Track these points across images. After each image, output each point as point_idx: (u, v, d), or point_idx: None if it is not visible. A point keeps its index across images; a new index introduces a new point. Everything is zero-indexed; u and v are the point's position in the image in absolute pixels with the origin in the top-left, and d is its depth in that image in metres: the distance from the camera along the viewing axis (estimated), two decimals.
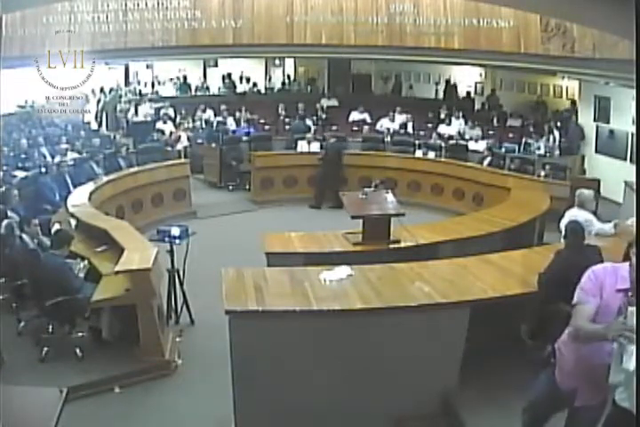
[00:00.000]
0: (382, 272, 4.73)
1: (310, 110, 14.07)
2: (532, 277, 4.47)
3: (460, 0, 10.30)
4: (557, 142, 11.50)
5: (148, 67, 18.92)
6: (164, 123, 13.30)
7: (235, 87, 17.96)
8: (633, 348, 2.59)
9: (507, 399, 4.10)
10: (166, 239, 6.03)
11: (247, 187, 11.41)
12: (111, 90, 16.91)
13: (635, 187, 8.14)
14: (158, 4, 10.61)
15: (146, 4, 10.57)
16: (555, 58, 9.40)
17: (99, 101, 16.33)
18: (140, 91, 17.31)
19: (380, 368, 4.17)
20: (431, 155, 11.29)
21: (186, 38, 10.81)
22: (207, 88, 17.86)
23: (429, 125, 13.22)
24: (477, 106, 15.26)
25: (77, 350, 5.29)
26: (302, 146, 11.50)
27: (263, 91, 18.40)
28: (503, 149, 11.37)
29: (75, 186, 8.79)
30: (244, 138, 12.44)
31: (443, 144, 11.64)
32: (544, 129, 11.81)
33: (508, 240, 6.76)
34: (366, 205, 6.50)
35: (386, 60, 15.95)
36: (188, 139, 12.59)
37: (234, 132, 12.89)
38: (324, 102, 14.85)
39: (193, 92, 17.40)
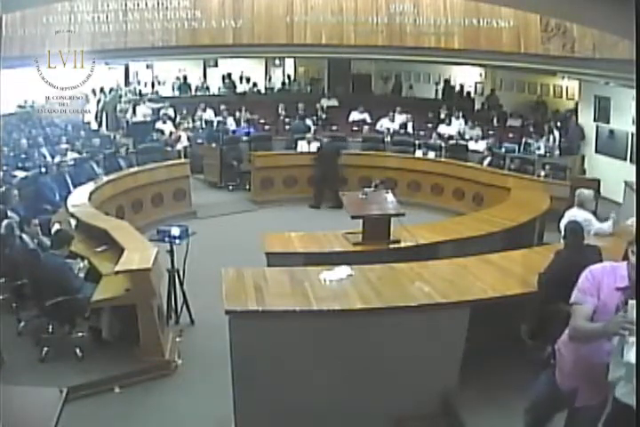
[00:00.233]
0: (382, 272, 4.73)
1: (310, 110, 14.07)
2: (532, 277, 4.47)
3: (459, 0, 10.30)
4: (557, 142, 11.50)
5: (147, 67, 18.90)
6: (164, 123, 13.30)
7: (235, 87, 17.95)
8: (633, 339, 2.59)
9: (507, 399, 4.10)
10: (166, 239, 6.03)
11: (247, 187, 11.41)
12: (111, 90, 16.90)
13: (635, 187, 8.14)
14: (158, 4, 10.61)
15: (146, 4, 10.57)
16: (555, 58, 9.40)
17: (99, 101, 16.32)
18: (140, 91, 17.31)
19: (380, 368, 4.17)
20: (431, 155, 11.30)
21: (186, 38, 10.81)
22: (207, 88, 17.85)
23: (429, 125, 13.22)
24: (477, 106, 15.27)
25: (77, 350, 5.29)
26: (302, 146, 11.50)
27: (263, 91, 18.40)
28: (503, 149, 11.37)
29: (75, 186, 8.79)
30: (244, 138, 12.44)
31: (443, 144, 11.65)
32: (544, 129, 11.81)
33: (508, 240, 6.76)
34: (366, 205, 6.50)
35: (386, 60, 15.95)
36: (188, 139, 12.59)
37: (234, 132, 12.89)
38: (324, 102, 14.85)
39: (193, 92, 17.40)
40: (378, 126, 13.08)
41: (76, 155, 10.44)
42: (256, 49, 11.63)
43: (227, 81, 18.32)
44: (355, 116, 13.83)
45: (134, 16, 10.53)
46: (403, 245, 6.24)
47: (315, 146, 11.36)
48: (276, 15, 10.90)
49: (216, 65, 19.32)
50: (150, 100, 15.05)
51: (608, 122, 11.10)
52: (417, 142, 11.78)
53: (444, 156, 11.30)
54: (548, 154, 11.23)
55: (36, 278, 5.36)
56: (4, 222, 6.23)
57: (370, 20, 10.78)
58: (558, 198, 8.21)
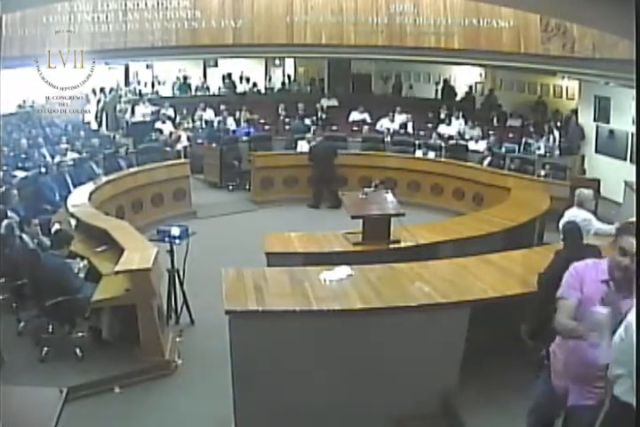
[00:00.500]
0: (382, 272, 4.73)
1: (310, 110, 14.06)
2: (532, 277, 4.47)
3: (459, 0, 10.31)
4: (557, 142, 11.50)
5: (148, 67, 18.90)
6: (163, 123, 13.31)
7: (235, 87, 17.95)
8: (604, 343, 2.73)
9: (507, 399, 4.10)
10: (166, 239, 6.03)
11: (247, 187, 11.40)
12: (111, 90, 16.90)
13: (635, 187, 8.14)
14: (158, 3, 10.62)
15: (146, 4, 10.58)
16: (555, 58, 9.40)
17: (99, 101, 16.32)
18: (139, 91, 17.31)
19: (380, 368, 4.17)
20: (431, 155, 11.29)
21: (186, 38, 10.82)
22: (207, 88, 17.85)
23: (429, 125, 13.22)
24: (477, 106, 15.26)
25: (77, 350, 5.29)
26: (302, 146, 11.50)
27: (263, 91, 18.39)
28: (503, 149, 11.37)
29: (75, 186, 8.79)
30: (244, 138, 12.44)
31: (443, 144, 11.65)
32: (544, 129, 11.81)
33: (508, 240, 6.76)
34: (366, 205, 6.50)
35: (386, 60, 15.94)
36: (188, 139, 12.59)
37: (234, 132, 12.89)
38: (324, 102, 14.84)
39: (193, 92, 17.40)
40: (378, 126, 13.08)
41: (75, 155, 10.44)
42: (256, 49, 11.64)
43: (227, 81, 18.32)
44: (355, 116, 13.83)
45: (134, 16, 10.54)
46: (403, 245, 6.24)
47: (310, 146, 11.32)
48: (276, 15, 10.91)
49: (216, 65, 19.32)
50: (149, 101, 15.03)
51: (608, 122, 11.09)
52: (417, 142, 11.78)
53: (444, 156, 11.29)
54: (548, 154, 11.23)
55: (36, 278, 5.36)
56: (4, 222, 6.23)
57: (370, 20, 10.79)
58: (558, 198, 8.21)
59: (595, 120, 11.45)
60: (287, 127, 13.47)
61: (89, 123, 15.00)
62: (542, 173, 9.86)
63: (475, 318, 4.19)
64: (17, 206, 7.33)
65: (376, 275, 4.62)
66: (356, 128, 13.22)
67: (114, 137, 13.47)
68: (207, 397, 4.86)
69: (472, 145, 11.59)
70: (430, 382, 4.29)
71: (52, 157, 10.34)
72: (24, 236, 6.18)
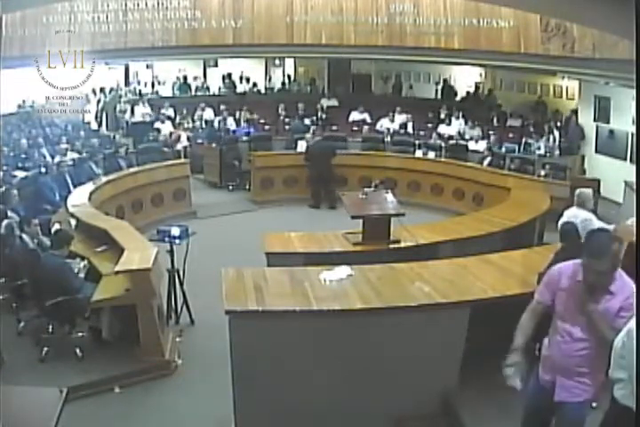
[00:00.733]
0: (382, 272, 4.73)
1: (310, 110, 14.07)
2: (532, 277, 4.46)
3: (459, 0, 10.30)
4: (557, 142, 11.50)
5: (148, 67, 18.90)
6: (162, 123, 13.31)
7: (235, 87, 17.95)
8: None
9: (507, 399, 4.09)
10: (166, 239, 6.03)
11: (247, 187, 11.41)
12: (111, 90, 16.90)
13: (635, 187, 8.14)
14: (158, 3, 10.62)
15: (146, 4, 10.58)
16: (555, 58, 9.40)
17: (99, 101, 16.32)
18: (139, 91, 17.31)
19: (380, 368, 4.17)
20: (431, 155, 11.29)
21: (186, 38, 10.82)
22: (207, 88, 17.85)
23: (429, 125, 13.22)
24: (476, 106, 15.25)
25: (77, 350, 5.29)
26: (302, 146, 11.49)
27: (263, 91, 18.39)
28: (503, 149, 11.38)
29: (75, 186, 8.79)
30: (244, 138, 12.44)
31: (443, 144, 11.65)
32: (544, 129, 11.81)
33: (508, 240, 6.76)
34: (366, 205, 6.50)
35: (386, 60, 15.94)
36: (188, 139, 12.59)
37: (234, 132, 12.89)
38: (324, 102, 14.84)
39: (193, 92, 17.40)
40: (378, 126, 13.08)
41: (75, 155, 10.44)
42: (256, 49, 11.63)
43: (227, 81, 18.32)
44: (355, 116, 13.83)
45: (134, 16, 10.54)
46: (403, 245, 6.24)
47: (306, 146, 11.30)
48: (276, 15, 10.91)
49: (216, 65, 19.32)
50: (148, 101, 15.03)
51: (608, 122, 11.10)
52: (417, 142, 11.78)
53: (444, 156, 11.30)
54: (548, 154, 11.23)
55: (36, 278, 5.36)
56: (4, 222, 6.22)
57: (370, 20, 10.78)
58: (558, 198, 8.21)
59: (595, 120, 11.45)
60: (287, 127, 13.47)
61: (89, 123, 15.00)
62: (542, 173, 9.86)
63: (475, 318, 4.19)
64: (17, 206, 7.33)
65: (376, 275, 4.61)
66: (355, 128, 13.22)
67: (114, 137, 13.47)
68: (207, 397, 4.86)
69: (472, 145, 11.59)
70: (430, 382, 4.29)
71: (52, 157, 10.34)
72: (24, 236, 6.18)
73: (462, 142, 11.85)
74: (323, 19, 10.91)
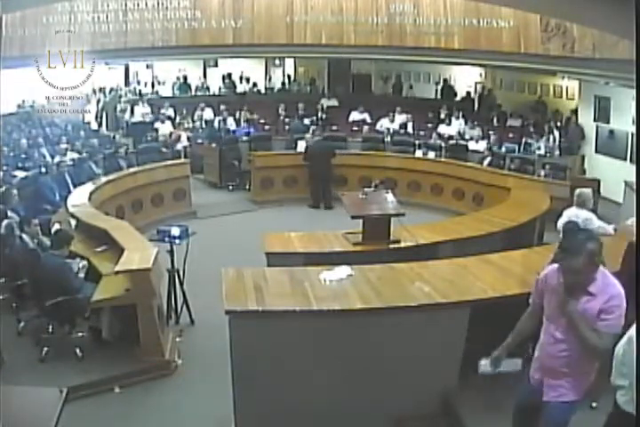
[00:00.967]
0: (382, 272, 4.73)
1: (310, 110, 14.07)
2: (532, 277, 4.45)
3: (459, 0, 10.30)
4: (557, 142, 11.50)
5: (148, 67, 18.93)
6: (163, 123, 13.31)
7: (235, 87, 17.96)
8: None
9: (507, 399, 4.09)
10: (166, 239, 6.03)
11: (247, 187, 11.41)
12: (111, 90, 16.91)
13: (635, 187, 8.14)
14: (158, 4, 10.62)
15: (146, 4, 10.58)
16: (555, 58, 9.40)
17: (98, 101, 16.34)
18: (139, 91, 17.32)
19: (380, 368, 4.17)
20: (431, 155, 11.29)
21: (186, 38, 10.82)
22: (207, 88, 17.86)
23: (429, 125, 13.22)
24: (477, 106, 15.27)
25: (77, 350, 5.29)
26: (302, 146, 11.49)
27: (263, 91, 18.41)
28: (503, 149, 11.37)
29: (75, 186, 8.79)
30: (244, 138, 12.44)
31: (443, 144, 11.65)
32: (544, 129, 11.81)
33: (508, 240, 6.76)
34: (366, 205, 6.49)
35: (386, 60, 15.95)
36: (188, 139, 12.59)
37: (234, 132, 12.89)
38: (324, 102, 14.85)
39: (193, 92, 17.41)
40: (378, 126, 13.08)
41: (75, 155, 10.44)
42: (256, 49, 11.64)
43: (227, 81, 18.33)
44: (355, 116, 13.83)
45: (134, 16, 10.54)
46: (403, 245, 6.23)
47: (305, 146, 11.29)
48: (276, 15, 10.91)
49: (216, 65, 19.33)
50: (147, 101, 15.03)
51: (608, 122, 11.09)
52: (417, 142, 11.78)
53: (444, 156, 11.29)
54: (548, 154, 11.23)
55: (36, 278, 5.36)
56: (4, 222, 6.22)
57: (370, 20, 10.79)
58: (558, 198, 8.21)
59: (595, 120, 11.45)
60: (287, 127, 13.48)
61: (89, 123, 15.02)
62: (542, 173, 9.86)
63: (475, 318, 4.19)
64: (17, 206, 7.33)
65: (376, 275, 4.61)
66: (356, 128, 13.22)
67: (114, 137, 13.48)
68: (207, 397, 4.86)
69: (472, 145, 11.59)
70: (430, 382, 4.29)
71: (52, 157, 10.35)
72: (24, 236, 6.18)
73: (462, 142, 11.85)
74: (323, 19, 10.91)
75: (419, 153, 11.43)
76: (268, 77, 19.97)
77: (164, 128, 13.10)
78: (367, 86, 17.81)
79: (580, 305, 2.98)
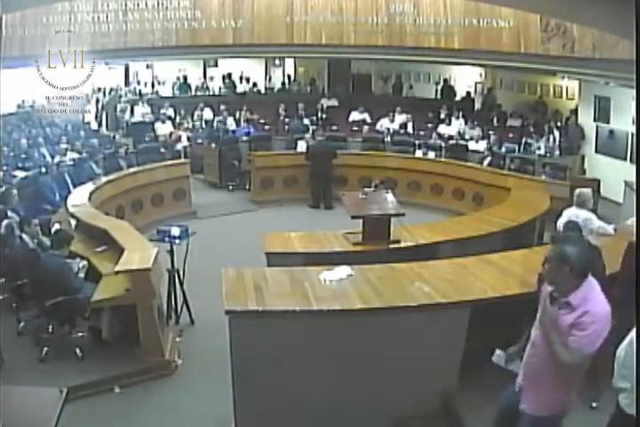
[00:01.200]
0: (382, 272, 4.73)
1: (310, 110, 14.08)
2: (532, 277, 4.45)
3: (459, 0, 10.30)
4: (557, 142, 11.50)
5: (148, 67, 18.94)
6: (163, 123, 13.31)
7: (235, 87, 17.96)
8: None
9: None
10: (166, 239, 6.03)
11: (247, 187, 11.41)
12: (111, 90, 16.91)
13: (635, 187, 8.14)
14: (158, 3, 10.62)
15: (146, 4, 10.58)
16: (555, 58, 9.40)
17: (98, 101, 16.34)
18: (139, 91, 17.32)
19: (380, 368, 4.17)
20: (431, 155, 11.29)
21: (186, 38, 10.82)
22: (207, 88, 17.87)
23: (429, 125, 13.23)
24: (477, 106, 15.26)
25: (77, 350, 5.29)
26: (302, 146, 11.50)
27: (263, 91, 18.41)
28: (503, 149, 11.37)
29: (75, 186, 8.79)
30: (244, 138, 12.45)
31: (443, 144, 11.65)
32: (544, 129, 11.81)
33: (508, 240, 6.76)
34: (366, 205, 6.49)
35: (386, 60, 15.95)
36: (188, 139, 12.60)
37: (234, 132, 12.90)
38: (324, 102, 14.86)
39: (193, 92, 17.41)
40: (378, 126, 13.08)
41: (75, 155, 10.44)
42: (256, 49, 11.63)
43: (227, 81, 18.33)
44: (355, 116, 13.84)
45: (134, 16, 10.54)
46: (403, 245, 6.23)
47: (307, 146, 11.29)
48: (276, 15, 10.91)
49: (216, 65, 19.34)
50: (147, 101, 15.04)
51: (608, 122, 11.09)
52: (417, 142, 11.78)
53: (444, 156, 11.29)
54: (548, 154, 11.23)
55: (36, 278, 5.36)
56: (4, 222, 6.22)
57: (370, 20, 10.79)
58: (558, 198, 8.21)
59: (595, 120, 11.45)
60: (287, 127, 13.48)
61: (89, 123, 15.03)
62: (542, 174, 9.86)
63: (475, 318, 4.19)
64: (17, 206, 7.33)
65: (376, 275, 4.61)
66: (356, 128, 13.22)
67: (114, 137, 13.49)
68: (207, 397, 4.86)
69: (472, 145, 11.59)
70: (430, 382, 4.29)
71: (52, 157, 10.35)
72: (24, 236, 6.18)
73: (462, 142, 11.85)
74: (323, 19, 10.91)
75: (419, 153, 11.43)
76: (268, 77, 19.98)
77: (164, 128, 13.10)
78: (367, 86, 17.81)
79: (559, 316, 2.87)
